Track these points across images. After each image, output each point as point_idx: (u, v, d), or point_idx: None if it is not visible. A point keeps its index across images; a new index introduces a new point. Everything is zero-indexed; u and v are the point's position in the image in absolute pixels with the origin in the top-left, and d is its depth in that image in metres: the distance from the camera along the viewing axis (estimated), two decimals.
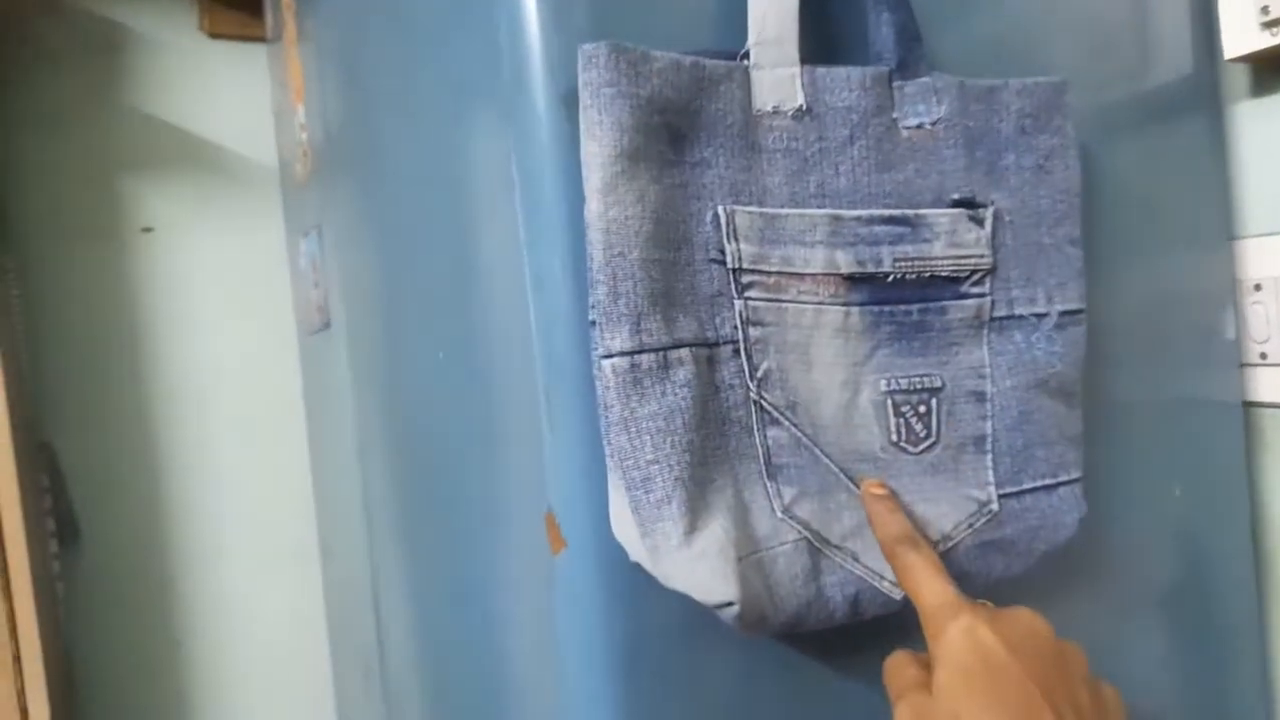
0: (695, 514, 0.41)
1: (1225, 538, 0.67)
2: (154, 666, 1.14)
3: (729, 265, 0.44)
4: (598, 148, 0.41)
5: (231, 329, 1.18)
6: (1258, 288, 0.67)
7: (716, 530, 0.41)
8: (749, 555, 0.42)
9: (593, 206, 0.41)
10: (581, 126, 0.42)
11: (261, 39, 1.25)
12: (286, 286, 1.20)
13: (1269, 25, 0.61)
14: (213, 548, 1.17)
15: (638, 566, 0.43)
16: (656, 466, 0.41)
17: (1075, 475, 0.51)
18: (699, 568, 0.40)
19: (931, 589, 0.40)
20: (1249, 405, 0.69)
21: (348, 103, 0.79)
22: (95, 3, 1.15)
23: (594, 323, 0.42)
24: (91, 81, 1.15)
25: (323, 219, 0.94)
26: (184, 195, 1.18)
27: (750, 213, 0.44)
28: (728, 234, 0.44)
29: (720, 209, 0.44)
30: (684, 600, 0.43)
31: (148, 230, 1.17)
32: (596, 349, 0.41)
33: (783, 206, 0.45)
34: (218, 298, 1.18)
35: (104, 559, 1.11)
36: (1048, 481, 0.50)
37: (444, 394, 0.60)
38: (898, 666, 0.41)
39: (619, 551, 0.44)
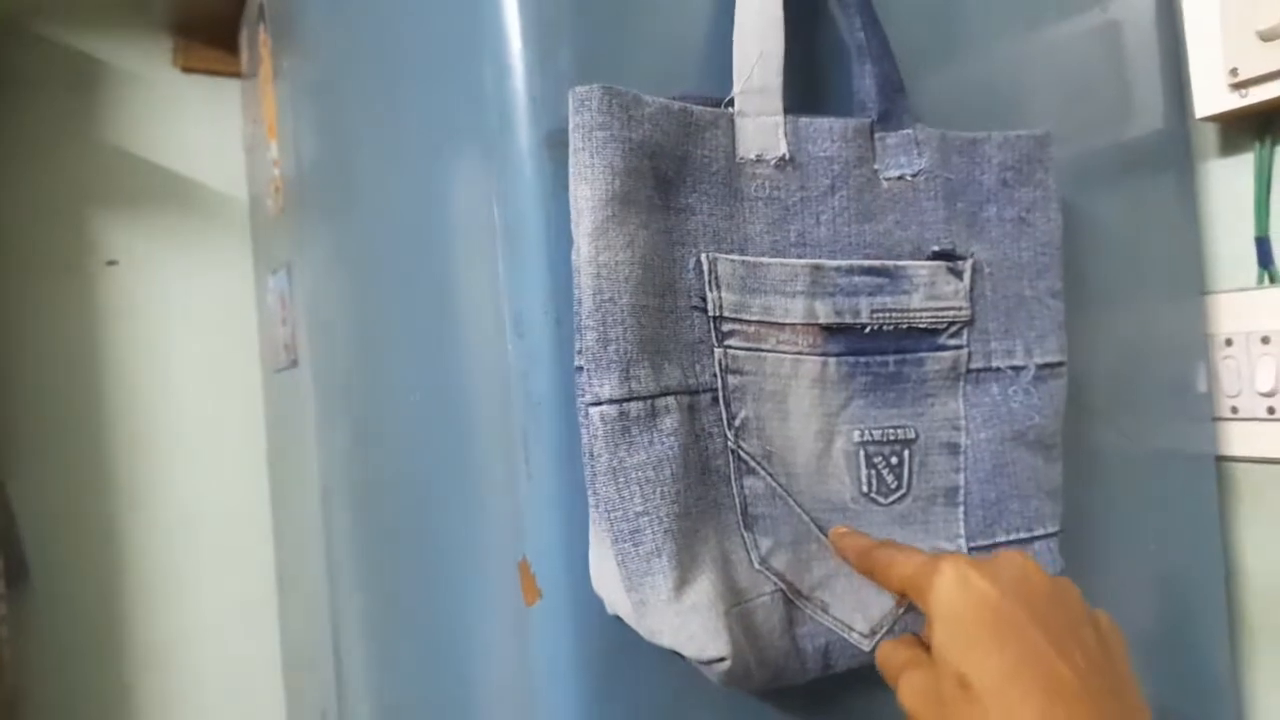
0: (684, 567, 0.40)
1: (1200, 592, 0.67)
2: (103, 710, 1.10)
3: (710, 313, 0.43)
4: (589, 190, 0.40)
5: (195, 366, 1.16)
6: (1229, 342, 0.68)
7: (705, 584, 0.40)
8: (733, 608, 0.41)
9: (583, 250, 0.40)
10: (571, 169, 0.41)
11: (235, 74, 1.24)
12: (253, 324, 1.19)
13: (1237, 87, 0.62)
14: (168, 589, 1.13)
15: (617, 619, 0.42)
16: (646, 518, 0.39)
17: (1052, 529, 0.50)
18: (690, 622, 0.39)
19: (907, 559, 0.39)
20: (1221, 459, 0.69)
21: (324, 140, 0.78)
22: (69, 35, 1.14)
23: (580, 369, 0.41)
24: (62, 113, 1.13)
25: (293, 256, 0.93)
26: (152, 229, 1.17)
27: (733, 261, 0.44)
28: (710, 282, 0.43)
29: (703, 256, 0.43)
30: (663, 656, 0.41)
31: (112, 263, 1.15)
32: (583, 396, 0.40)
33: (764, 255, 0.45)
34: (182, 333, 1.16)
35: (54, 599, 1.07)
36: (1022, 535, 0.49)
37: (416, 437, 0.59)
38: (889, 651, 0.40)
39: (597, 603, 0.43)
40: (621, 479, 0.40)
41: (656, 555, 0.39)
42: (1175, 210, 0.68)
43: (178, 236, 1.19)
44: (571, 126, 0.41)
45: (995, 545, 0.49)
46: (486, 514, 0.49)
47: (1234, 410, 0.68)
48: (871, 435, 0.47)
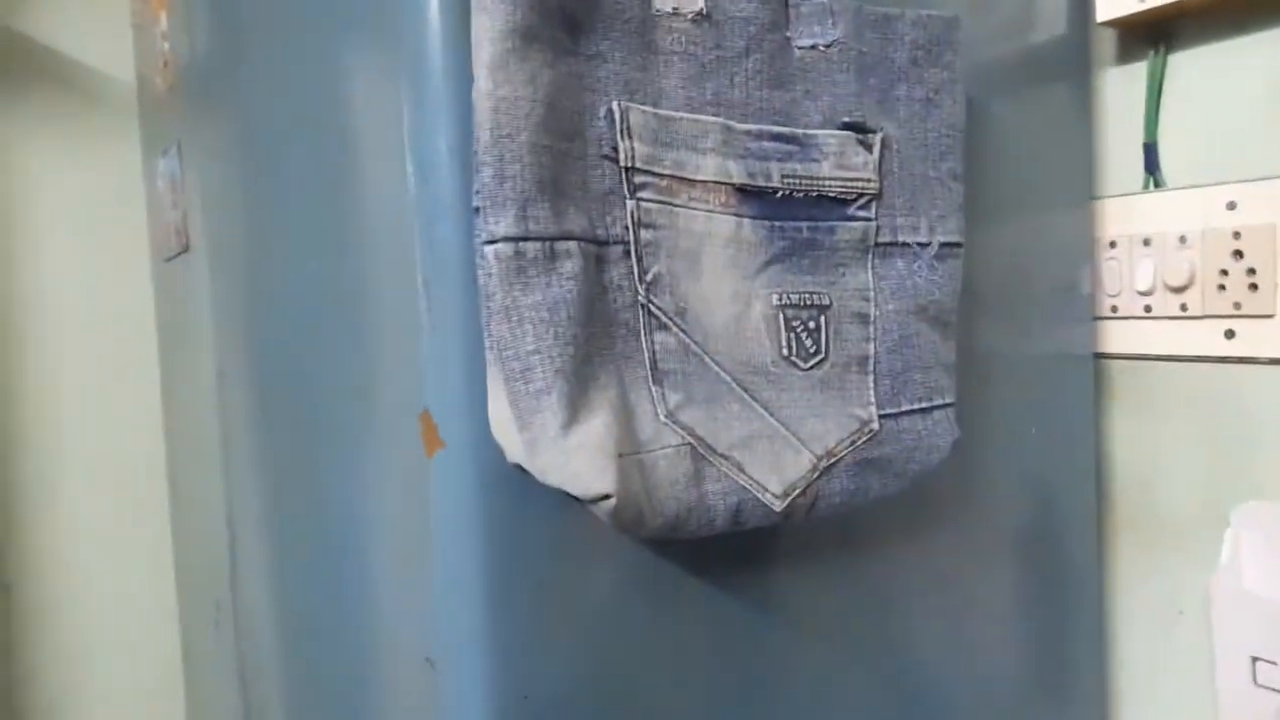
0: (575, 407, 0.40)
1: (1072, 485, 0.71)
2: None
3: (622, 163, 0.43)
4: (489, 21, 0.39)
5: (79, 256, 1.10)
6: (1112, 244, 0.71)
7: (596, 424, 0.40)
8: (630, 455, 0.41)
9: (481, 84, 0.39)
10: (472, 1, 0.40)
11: None
12: (141, 211, 1.13)
13: None
14: (52, 488, 1.09)
15: (517, 470, 0.42)
16: (537, 357, 0.39)
17: (949, 400, 0.53)
18: (576, 460, 0.39)
19: None
20: (1100, 356, 0.73)
21: (219, 12, 0.74)
22: None
23: (478, 209, 0.40)
24: None
25: (184, 134, 0.88)
26: (34, 110, 1.09)
27: (645, 112, 0.44)
28: (621, 131, 0.43)
29: (615, 105, 0.43)
30: (565, 508, 0.42)
31: None
32: (479, 236, 0.40)
33: (677, 110, 0.45)
34: (64, 222, 1.10)
35: None
36: (923, 405, 0.51)
37: (314, 302, 0.57)
38: None
39: (499, 454, 0.43)
40: (515, 318, 0.39)
41: (546, 393, 0.40)
42: (1071, 116, 0.70)
43: (58, 119, 1.11)
44: None
45: (900, 414, 0.50)
46: (386, 369, 0.48)
47: (1114, 309, 0.71)
48: (789, 299, 0.48)
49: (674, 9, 0.45)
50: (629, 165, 0.43)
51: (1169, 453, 0.71)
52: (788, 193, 0.47)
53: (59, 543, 1.10)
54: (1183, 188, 0.67)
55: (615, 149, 0.43)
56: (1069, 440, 0.70)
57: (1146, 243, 0.68)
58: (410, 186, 0.43)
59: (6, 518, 1.07)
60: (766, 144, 0.47)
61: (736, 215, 0.46)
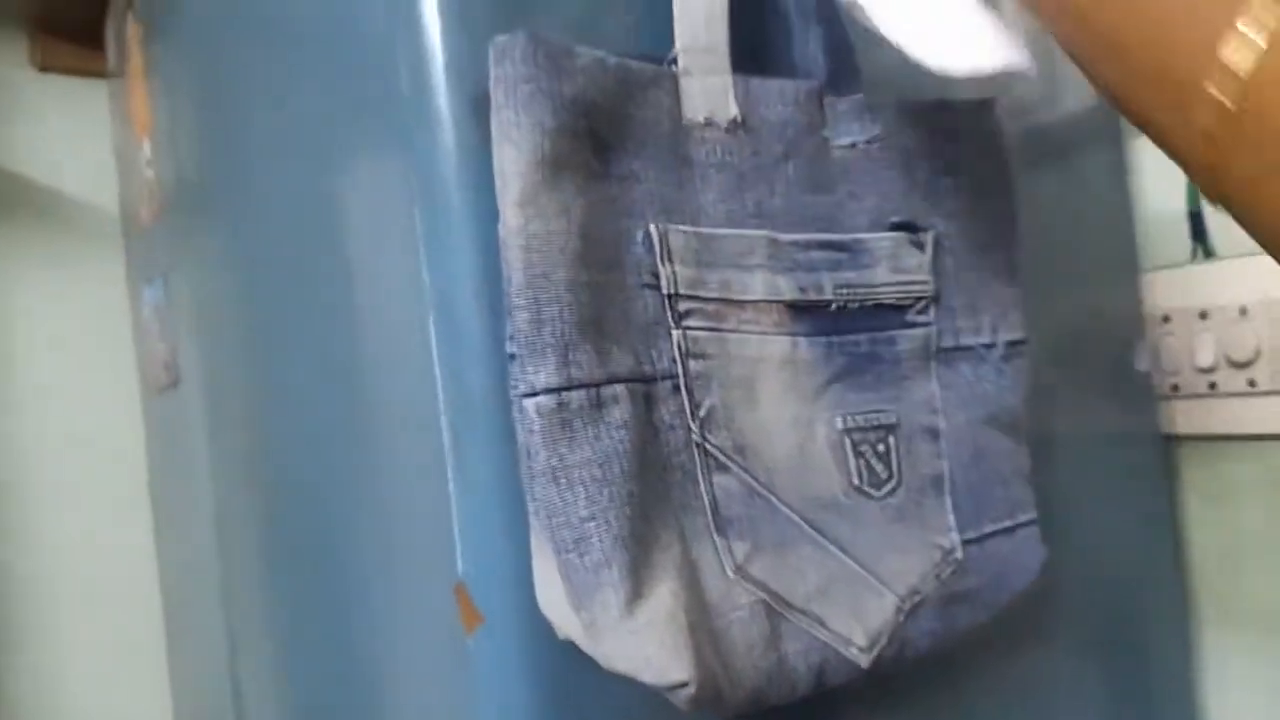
0: (639, 579, 0.35)
1: (1153, 571, 0.66)
2: None
3: (664, 290, 0.39)
4: (515, 153, 0.35)
5: (64, 392, 1.06)
6: (1166, 319, 0.67)
7: (664, 595, 0.35)
8: (702, 624, 0.36)
9: (510, 220, 0.35)
10: (495, 130, 0.36)
11: (101, 74, 1.15)
12: (128, 344, 1.09)
13: None
14: (40, 644, 1.02)
15: (570, 644, 0.37)
16: (593, 524, 0.34)
17: (1031, 516, 0.48)
18: (646, 643, 0.34)
19: None
20: (1166, 438, 0.68)
21: (206, 135, 0.71)
22: None
23: (513, 356, 0.35)
24: None
25: (171, 264, 0.84)
26: (13, 242, 1.06)
27: (685, 232, 0.40)
28: (661, 256, 0.39)
29: (652, 227, 0.39)
30: (625, 684, 0.36)
31: None
32: (516, 387, 0.35)
33: (718, 226, 0.41)
34: (48, 358, 1.06)
35: None
36: (1006, 524, 0.47)
37: (326, 452, 0.52)
38: None
39: (548, 625, 0.37)
40: (563, 480, 0.34)
41: (605, 566, 0.34)
42: (1107, 186, 0.66)
43: (42, 250, 1.08)
44: (493, 81, 0.36)
45: (984, 537, 0.45)
46: (412, 533, 0.43)
47: (1175, 388, 0.67)
48: (855, 421, 0.43)
49: (706, 119, 0.41)
50: (672, 292, 0.39)
51: (1252, 538, 0.66)
52: (842, 305, 0.43)
53: (53, 695, 1.03)
54: (1236, 256, 0.64)
55: (656, 275, 0.39)
56: (1145, 530, 0.65)
57: (1203, 316, 0.64)
58: (430, 328, 0.39)
59: None
60: (815, 254, 0.43)
61: (791, 335, 0.42)
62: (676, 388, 0.39)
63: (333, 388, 0.50)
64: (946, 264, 0.47)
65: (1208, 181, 0.29)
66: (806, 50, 0.46)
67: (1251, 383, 0.63)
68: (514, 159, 0.35)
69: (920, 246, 0.46)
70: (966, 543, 0.45)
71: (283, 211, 0.56)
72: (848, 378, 0.43)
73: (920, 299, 0.45)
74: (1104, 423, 0.64)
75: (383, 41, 0.41)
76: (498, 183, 0.36)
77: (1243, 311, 0.62)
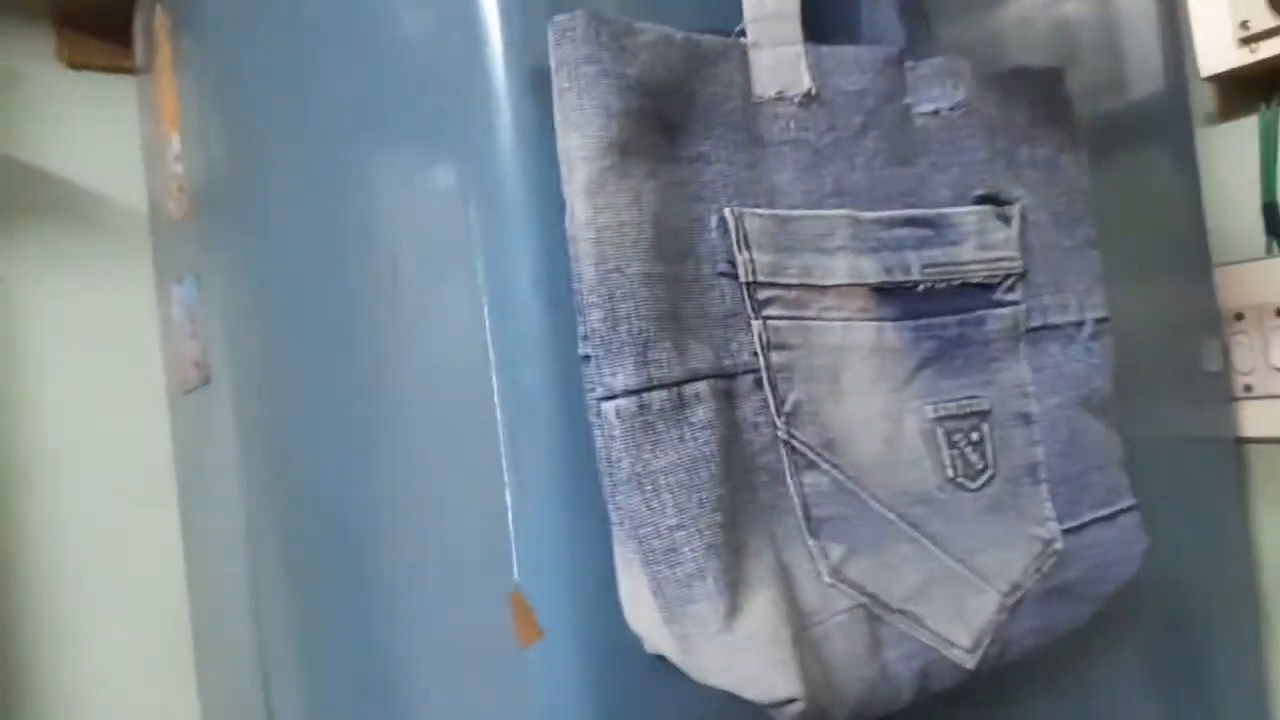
0: (734, 589, 0.33)
1: (1223, 578, 0.63)
2: None
3: (742, 279, 0.37)
4: (580, 139, 0.33)
5: (91, 390, 1.04)
6: (1239, 317, 0.64)
7: (764, 605, 0.33)
8: (801, 634, 0.34)
9: (578, 212, 0.33)
10: (558, 115, 0.34)
11: (129, 70, 1.14)
12: (155, 342, 1.07)
13: (1247, 41, 0.58)
14: (69, 643, 1.01)
15: (640, 654, 0.34)
16: (682, 533, 0.32)
17: (1131, 502, 0.46)
18: (747, 659, 0.32)
19: None
20: (1240, 441, 0.65)
21: (238, 129, 0.69)
22: None
23: (587, 357, 0.33)
24: None
25: (202, 262, 0.82)
26: (40, 241, 1.05)
27: (761, 215, 0.37)
28: (738, 241, 0.36)
29: (727, 211, 0.36)
30: (704, 700, 0.34)
31: None
32: (593, 389, 0.33)
33: (796, 207, 0.38)
34: (76, 355, 1.04)
35: None
36: (1106, 511, 0.44)
37: (366, 453, 0.50)
38: None
39: (614, 638, 0.35)
40: (649, 487, 0.32)
41: (699, 578, 0.32)
42: (1176, 178, 0.63)
43: (69, 248, 1.07)
44: (554, 64, 0.34)
45: (1084, 526, 0.43)
46: (463, 538, 0.41)
47: (1248, 389, 0.64)
48: (947, 409, 0.40)
49: (778, 93, 0.39)
50: (751, 280, 0.37)
51: None
52: (930, 286, 0.41)
53: (78, 699, 1.02)
54: None
55: (733, 263, 0.36)
56: (1215, 535, 0.62)
57: (1279, 313, 0.61)
58: (486, 324, 0.36)
59: (22, 665, 0.99)
60: (900, 231, 0.40)
61: (877, 320, 0.39)
62: (758, 382, 0.37)
63: (376, 388, 0.48)
64: (1031, 239, 0.44)
65: None
66: (878, 16, 0.44)
67: None
68: (580, 145, 0.33)
69: (1007, 220, 0.44)
70: (1066, 532, 0.43)
71: (320, 206, 0.54)
72: (937, 363, 0.41)
73: (1008, 276, 0.43)
74: (1173, 425, 0.61)
75: (432, 21, 0.39)
76: (563, 170, 0.34)
77: None
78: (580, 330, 0.33)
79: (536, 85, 0.36)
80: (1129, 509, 0.45)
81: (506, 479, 0.36)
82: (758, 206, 0.37)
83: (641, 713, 0.36)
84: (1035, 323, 0.44)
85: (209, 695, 0.98)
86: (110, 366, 1.06)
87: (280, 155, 0.60)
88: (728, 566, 0.33)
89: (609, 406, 0.33)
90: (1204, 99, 0.65)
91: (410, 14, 0.41)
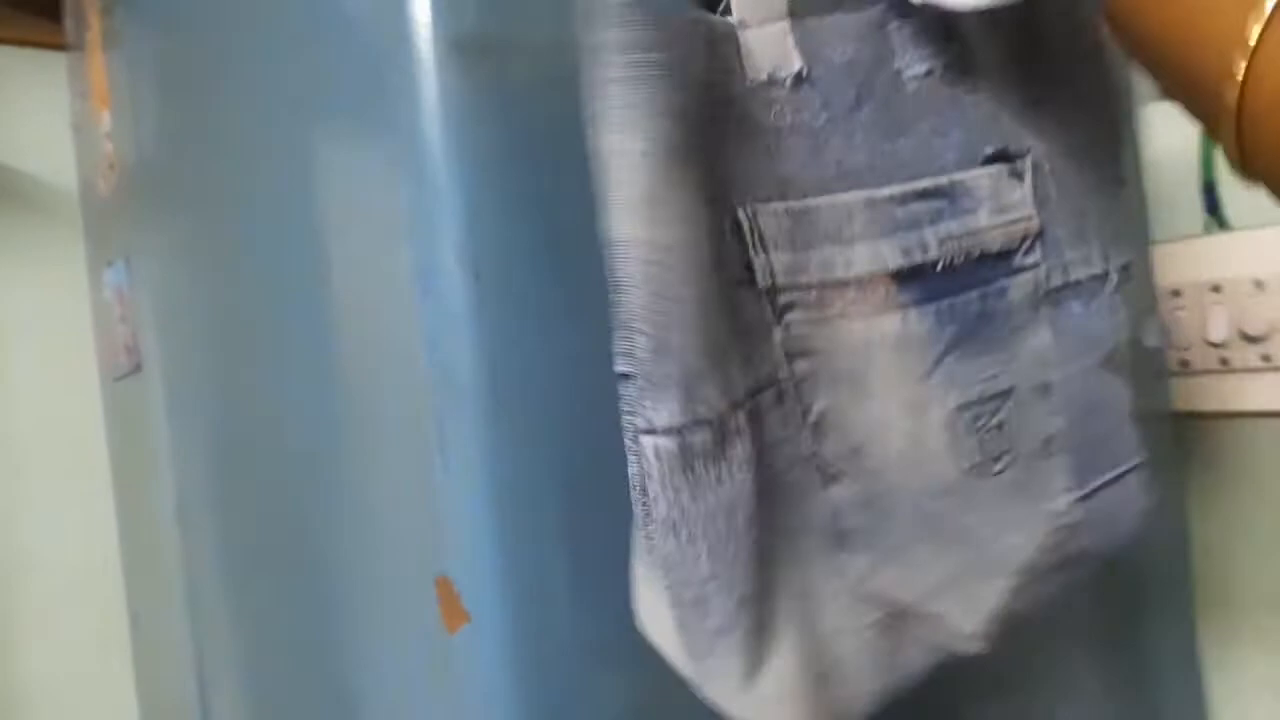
0: (760, 641, 0.31)
1: (1158, 551, 0.64)
2: None
3: (760, 284, 0.34)
4: (628, 143, 0.29)
5: (23, 378, 1.01)
6: (1176, 293, 0.64)
7: (787, 658, 0.31)
8: (828, 662, 0.33)
9: (625, 227, 0.30)
10: (598, 111, 0.30)
11: (59, 47, 1.10)
12: (88, 326, 1.04)
13: None
14: (5, 638, 0.98)
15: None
16: (714, 584, 0.30)
17: (1140, 458, 0.43)
18: (766, 712, 0.31)
19: None
20: (1175, 416, 0.66)
21: (171, 109, 0.67)
22: None
23: (626, 376, 0.31)
24: None
25: (132, 244, 0.80)
26: None
27: (775, 211, 0.34)
28: (754, 243, 0.34)
29: (741, 212, 0.33)
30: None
31: None
32: (633, 417, 0.31)
33: (806, 197, 0.36)
34: (9, 339, 1.01)
35: None
36: (1116, 472, 0.42)
37: (300, 440, 0.48)
38: None
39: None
40: (684, 533, 0.30)
41: (726, 633, 0.31)
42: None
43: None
44: (601, 48, 0.30)
45: (1097, 490, 0.41)
46: (394, 522, 0.40)
47: (1184, 364, 0.64)
48: (969, 395, 0.38)
49: (770, 76, 0.36)
50: (769, 284, 0.34)
51: (1259, 520, 0.63)
52: (949, 261, 0.38)
53: (14, 697, 0.99)
54: (1253, 228, 0.61)
55: (750, 268, 0.33)
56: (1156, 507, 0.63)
57: (1216, 289, 0.62)
58: (416, 311, 0.35)
59: None
60: (914, 206, 0.37)
61: (900, 308, 0.37)
62: (780, 395, 0.34)
63: (309, 374, 0.47)
64: (1048, 190, 0.41)
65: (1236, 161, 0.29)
66: None
67: (1265, 358, 0.60)
68: (627, 152, 0.29)
69: (1019, 176, 0.41)
70: (1079, 500, 0.41)
71: (252, 185, 0.52)
72: (960, 347, 0.38)
73: (1026, 237, 0.40)
74: None
75: None
76: (609, 182, 0.30)
77: (1258, 284, 0.60)
78: (621, 346, 0.31)
79: (462, 57, 0.35)
80: (1137, 466, 0.43)
81: (435, 462, 0.36)
82: (769, 200, 0.35)
83: (568, 697, 0.35)
84: (1056, 282, 0.41)
85: (146, 686, 0.96)
86: (45, 351, 1.03)
87: (212, 133, 0.58)
88: (757, 620, 0.31)
89: (648, 442, 0.30)
90: (1148, 80, 0.66)
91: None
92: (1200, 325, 0.63)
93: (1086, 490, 0.41)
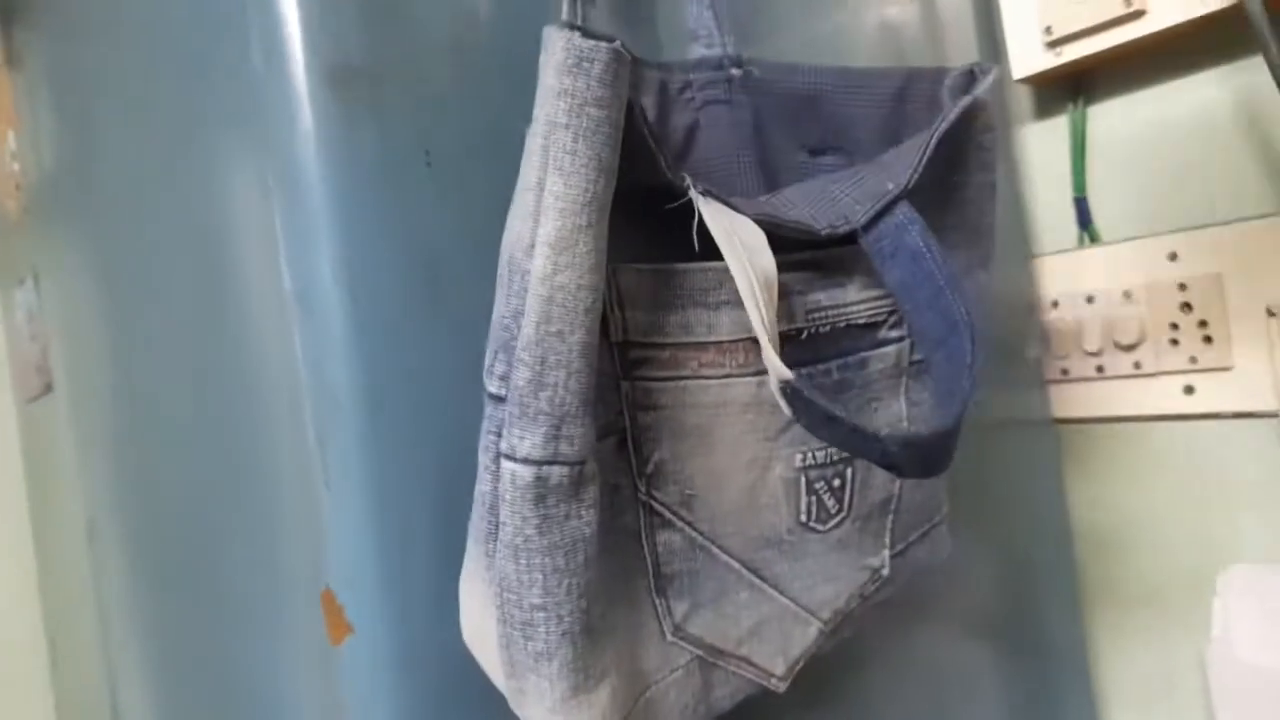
0: (579, 674, 0.32)
1: (1046, 552, 0.67)
2: None
3: (612, 339, 0.34)
4: (563, 187, 0.30)
5: None
6: (1055, 304, 0.68)
7: (601, 699, 0.32)
8: (638, 698, 0.34)
9: (538, 262, 0.30)
10: (539, 144, 0.31)
11: None
12: (2, 349, 1.02)
13: (1053, 45, 0.62)
14: None
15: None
16: (543, 614, 0.31)
17: (944, 512, 0.46)
18: None
19: None
20: (1057, 421, 0.69)
21: (67, 128, 0.67)
22: None
23: (497, 398, 0.32)
24: None
25: (40, 264, 0.79)
26: None
27: (640, 270, 0.34)
28: (612, 301, 0.34)
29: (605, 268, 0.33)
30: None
31: None
32: (496, 437, 0.32)
33: (676, 260, 0.35)
34: None
35: None
36: (925, 528, 0.45)
37: (194, 455, 0.49)
38: None
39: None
40: (523, 561, 0.31)
41: (546, 659, 0.31)
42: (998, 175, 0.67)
43: None
44: (556, 87, 0.30)
45: (908, 547, 0.43)
46: (281, 537, 0.41)
47: (1064, 372, 0.68)
48: (815, 458, 0.39)
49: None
50: (620, 339, 0.34)
51: (1139, 518, 0.67)
52: (814, 330, 0.39)
53: None
54: (1120, 241, 0.65)
55: (605, 323, 0.34)
56: (1038, 511, 0.66)
57: (1090, 300, 0.65)
58: (292, 323, 0.36)
59: None
60: (786, 276, 0.37)
61: (756, 374, 0.37)
62: (622, 443, 0.35)
63: (199, 392, 0.47)
64: None
65: None
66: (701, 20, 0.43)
67: (1137, 365, 0.64)
68: (559, 195, 0.30)
69: None
70: (893, 557, 0.43)
71: (143, 205, 0.53)
72: None
73: (894, 313, 0.41)
74: (1000, 408, 0.64)
75: (238, 17, 0.38)
76: (530, 204, 0.31)
77: (1127, 295, 0.64)
78: (497, 369, 0.32)
79: (338, 81, 0.36)
80: (941, 520, 0.45)
81: (318, 479, 0.37)
82: (636, 260, 0.34)
83: (450, 705, 0.36)
84: (918, 355, 0.42)
85: (64, 707, 0.94)
86: None
87: (111, 152, 0.58)
88: (578, 654, 0.32)
89: (508, 467, 0.31)
90: (1019, 99, 0.69)
91: (219, 9, 0.41)
92: (1077, 335, 0.66)
93: (901, 547, 0.43)
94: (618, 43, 0.30)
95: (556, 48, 0.30)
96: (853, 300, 0.40)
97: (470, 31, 0.39)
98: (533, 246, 0.30)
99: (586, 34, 0.30)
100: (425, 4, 0.38)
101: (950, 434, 0.33)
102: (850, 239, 0.38)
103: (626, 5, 0.44)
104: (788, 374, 0.31)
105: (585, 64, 0.30)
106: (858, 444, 0.32)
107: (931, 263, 0.37)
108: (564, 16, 0.32)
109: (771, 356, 0.31)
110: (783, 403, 0.31)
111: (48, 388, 0.81)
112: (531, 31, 0.38)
